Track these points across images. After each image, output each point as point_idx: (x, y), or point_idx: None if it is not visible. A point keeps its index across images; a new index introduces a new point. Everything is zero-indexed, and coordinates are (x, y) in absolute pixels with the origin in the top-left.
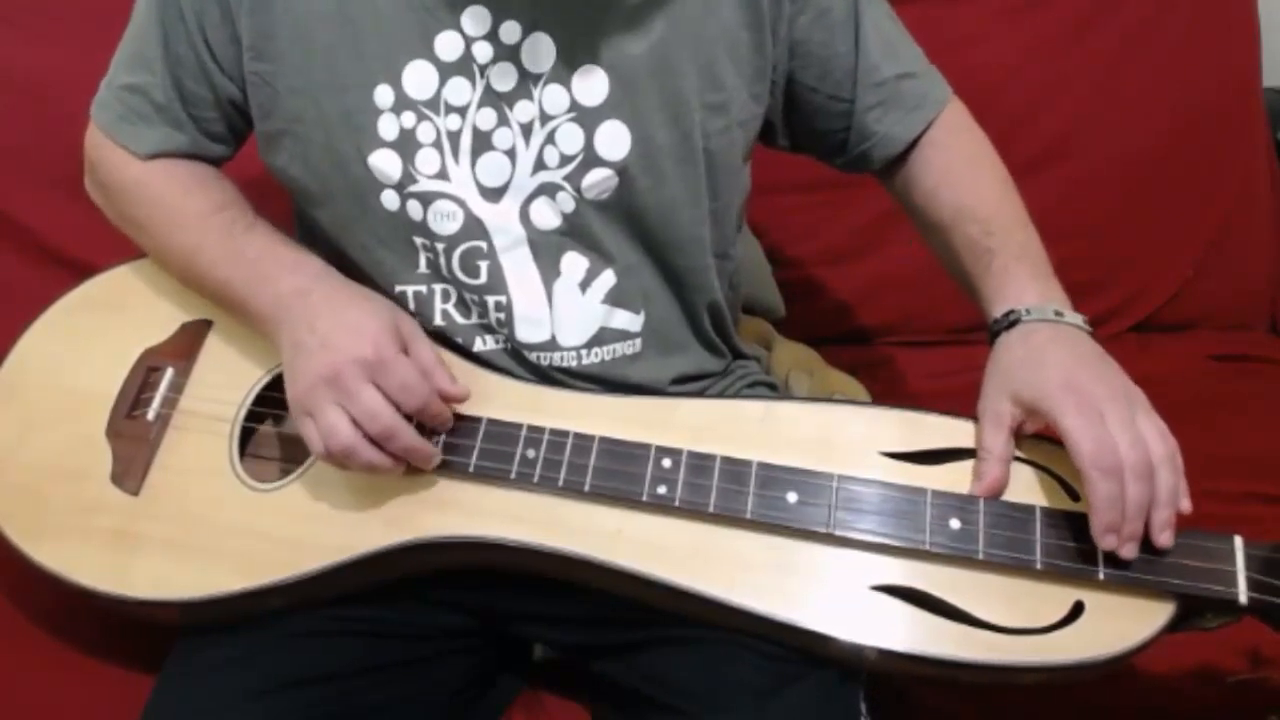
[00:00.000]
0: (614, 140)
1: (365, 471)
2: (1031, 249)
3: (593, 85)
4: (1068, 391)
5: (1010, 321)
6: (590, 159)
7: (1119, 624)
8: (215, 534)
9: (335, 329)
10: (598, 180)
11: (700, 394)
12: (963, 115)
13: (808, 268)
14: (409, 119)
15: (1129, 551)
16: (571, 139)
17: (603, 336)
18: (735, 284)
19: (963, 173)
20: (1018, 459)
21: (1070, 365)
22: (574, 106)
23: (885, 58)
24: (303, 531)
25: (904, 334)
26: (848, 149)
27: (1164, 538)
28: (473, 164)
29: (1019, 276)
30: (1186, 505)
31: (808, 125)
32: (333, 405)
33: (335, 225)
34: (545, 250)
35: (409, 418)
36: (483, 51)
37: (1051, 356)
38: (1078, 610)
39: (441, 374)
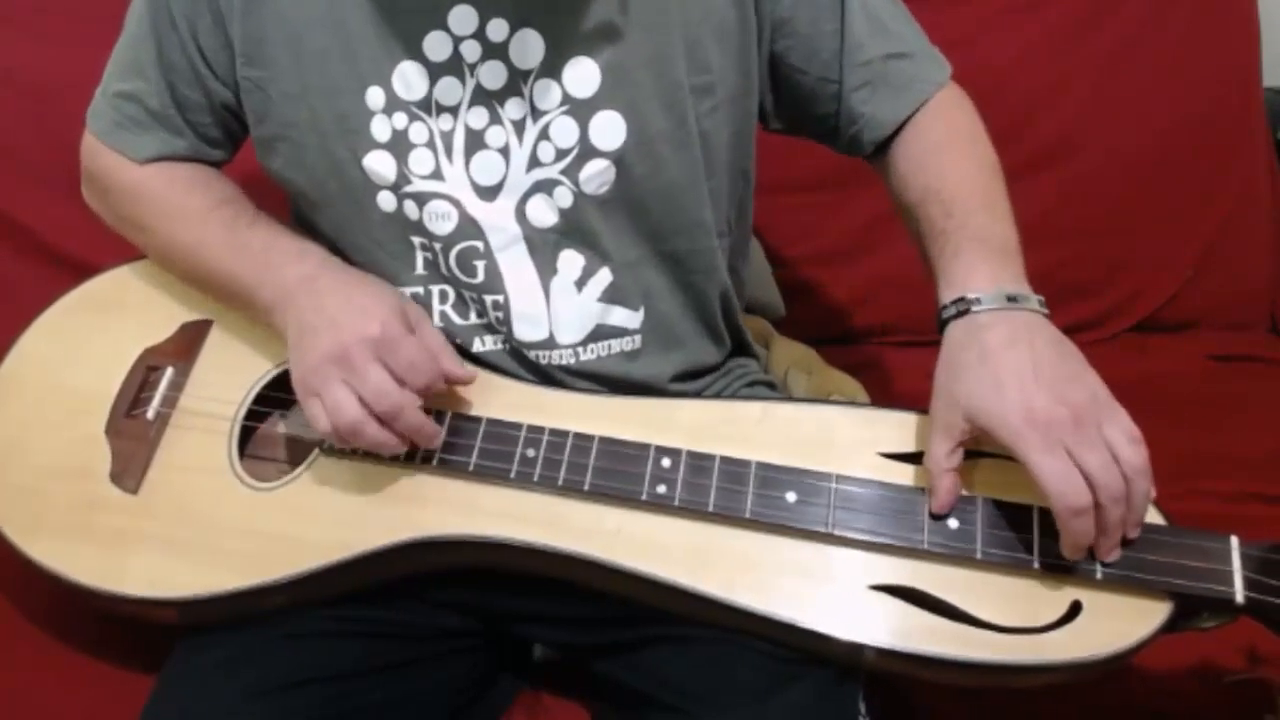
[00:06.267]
0: (609, 130)
1: (371, 449)
2: (995, 231)
3: (584, 77)
4: (1030, 426)
5: (959, 311)
6: (586, 150)
7: (1116, 624)
8: (214, 533)
9: (342, 309)
10: (596, 172)
11: (699, 394)
12: (956, 99)
13: (808, 268)
14: (401, 120)
15: (1113, 556)
16: (566, 132)
17: (599, 333)
18: (737, 268)
19: (934, 156)
20: (1013, 460)
21: (1028, 383)
22: (566, 99)
23: (873, 37)
24: (302, 530)
25: (904, 334)
26: (839, 133)
27: (1134, 534)
28: (466, 163)
29: (969, 258)
30: (1152, 493)
31: (801, 109)
32: (339, 383)
33: (333, 227)
34: (541, 248)
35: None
36: (471, 50)
37: (1007, 369)
38: (1075, 610)
39: (449, 356)
